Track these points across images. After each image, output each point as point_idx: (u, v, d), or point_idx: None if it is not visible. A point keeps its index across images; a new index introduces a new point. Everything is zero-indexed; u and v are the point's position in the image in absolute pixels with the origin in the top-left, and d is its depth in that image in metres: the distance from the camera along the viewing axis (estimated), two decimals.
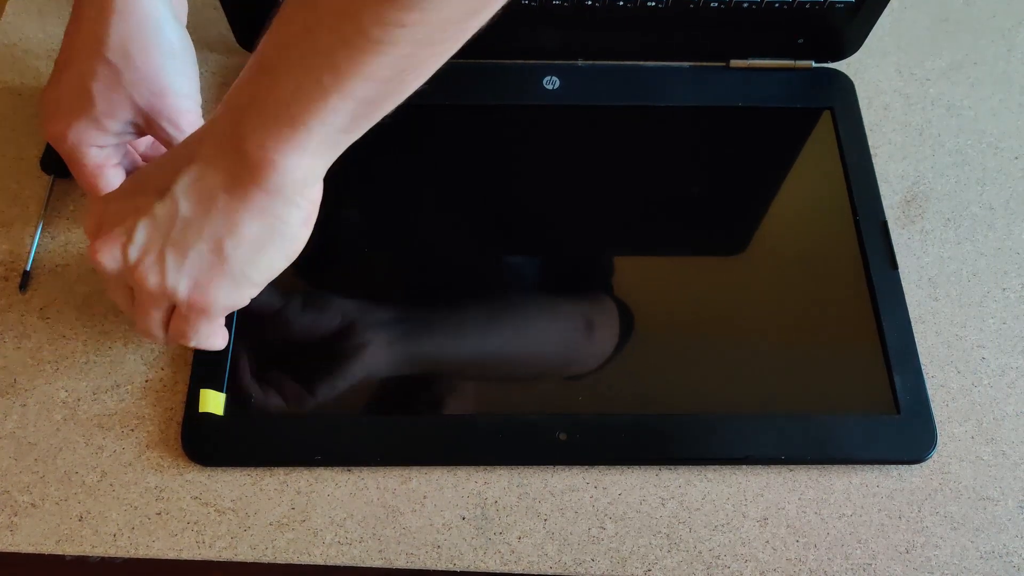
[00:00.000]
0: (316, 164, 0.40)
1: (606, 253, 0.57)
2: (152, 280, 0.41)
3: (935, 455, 0.50)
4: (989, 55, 0.64)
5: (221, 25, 0.60)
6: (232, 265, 0.41)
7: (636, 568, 0.46)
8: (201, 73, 0.61)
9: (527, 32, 0.59)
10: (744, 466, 0.49)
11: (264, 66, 0.38)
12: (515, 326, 0.53)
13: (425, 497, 0.48)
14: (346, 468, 0.48)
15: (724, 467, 0.49)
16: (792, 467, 0.49)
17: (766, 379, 0.51)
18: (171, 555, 0.46)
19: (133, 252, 0.41)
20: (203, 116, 0.50)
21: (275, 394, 0.50)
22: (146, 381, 0.51)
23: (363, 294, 0.53)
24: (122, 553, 0.46)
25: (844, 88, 0.61)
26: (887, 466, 0.49)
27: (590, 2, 0.56)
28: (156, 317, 0.44)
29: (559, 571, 0.46)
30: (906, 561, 0.47)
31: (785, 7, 0.57)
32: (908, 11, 0.66)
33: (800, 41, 0.60)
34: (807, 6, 0.57)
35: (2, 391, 0.50)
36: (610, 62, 0.61)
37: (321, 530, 0.47)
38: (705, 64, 0.62)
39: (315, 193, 0.41)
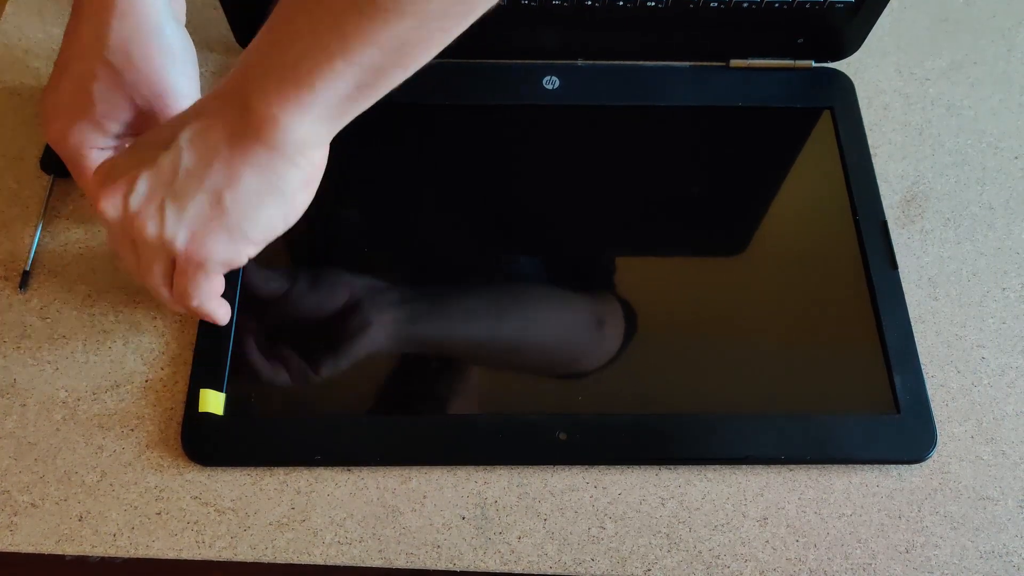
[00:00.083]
0: (319, 129, 0.40)
1: (606, 253, 0.57)
2: (151, 229, 0.42)
3: (935, 455, 0.50)
4: (989, 55, 0.64)
5: (221, 25, 0.60)
6: (230, 217, 0.41)
7: (636, 568, 0.46)
8: (201, 73, 0.61)
9: (527, 32, 0.59)
10: (744, 466, 0.49)
11: (275, 29, 0.39)
12: (523, 316, 0.54)
13: (425, 497, 0.48)
14: (346, 468, 0.48)
15: (724, 467, 0.49)
16: (792, 467, 0.49)
17: (766, 379, 0.51)
18: (171, 555, 0.46)
19: (134, 201, 0.41)
20: None
21: (280, 368, 0.50)
22: (146, 381, 0.51)
23: (370, 276, 0.53)
24: (122, 553, 0.46)
25: (844, 88, 0.61)
26: (887, 466, 0.49)
27: (590, 2, 0.56)
28: (158, 272, 0.44)
29: (559, 571, 0.46)
30: (906, 561, 0.47)
31: (785, 7, 0.57)
32: (908, 11, 0.66)
33: (800, 41, 0.60)
34: (807, 6, 0.57)
35: (2, 391, 0.50)
36: (610, 62, 0.61)
37: (321, 530, 0.47)
38: (705, 64, 0.62)
39: (317, 158, 0.42)
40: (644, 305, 0.54)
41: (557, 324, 0.54)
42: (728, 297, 0.55)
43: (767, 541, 0.47)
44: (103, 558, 0.47)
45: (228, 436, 0.48)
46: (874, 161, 0.59)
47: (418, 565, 0.46)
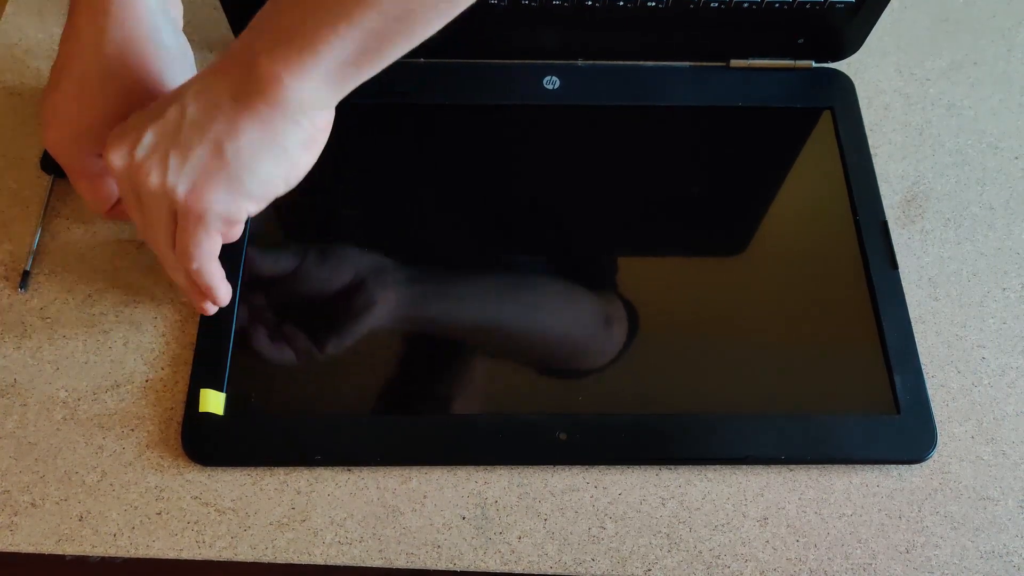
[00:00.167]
0: (322, 92, 0.41)
1: (605, 253, 0.57)
2: (154, 179, 0.42)
3: (935, 455, 0.50)
4: (989, 55, 0.64)
5: (221, 25, 0.60)
6: (230, 168, 0.42)
7: (636, 568, 0.46)
8: None
9: (527, 32, 0.59)
10: (744, 466, 0.49)
11: None
12: (531, 307, 0.54)
13: (425, 497, 0.48)
14: (346, 468, 0.48)
15: (724, 467, 0.49)
16: (792, 467, 0.49)
17: (766, 379, 0.51)
18: (171, 555, 0.46)
19: (139, 152, 0.42)
20: None
21: (285, 347, 0.51)
22: (146, 381, 0.51)
23: (374, 257, 0.54)
24: (122, 553, 0.46)
25: (844, 88, 0.61)
26: (887, 466, 0.49)
27: (590, 2, 0.56)
28: (162, 229, 0.44)
29: (559, 571, 0.46)
30: (906, 561, 0.47)
31: (785, 7, 0.57)
32: (908, 11, 0.66)
33: (800, 41, 0.60)
34: (807, 6, 0.57)
35: (2, 391, 0.50)
36: (610, 62, 0.61)
37: (321, 530, 0.47)
38: (705, 64, 0.62)
39: (320, 120, 0.43)
40: (644, 305, 0.54)
41: (565, 317, 0.54)
42: (728, 297, 0.55)
43: (767, 541, 0.47)
44: (103, 558, 0.47)
45: (228, 436, 0.48)
46: (874, 161, 0.59)
47: (418, 565, 0.46)
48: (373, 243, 0.55)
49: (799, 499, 0.48)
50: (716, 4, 0.56)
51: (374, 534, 0.47)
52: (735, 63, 0.61)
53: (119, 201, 0.51)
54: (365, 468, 0.49)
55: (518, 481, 0.48)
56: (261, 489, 0.48)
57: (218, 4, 0.57)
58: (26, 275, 0.53)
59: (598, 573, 0.46)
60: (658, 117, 0.60)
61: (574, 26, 0.58)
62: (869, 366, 0.51)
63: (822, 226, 0.57)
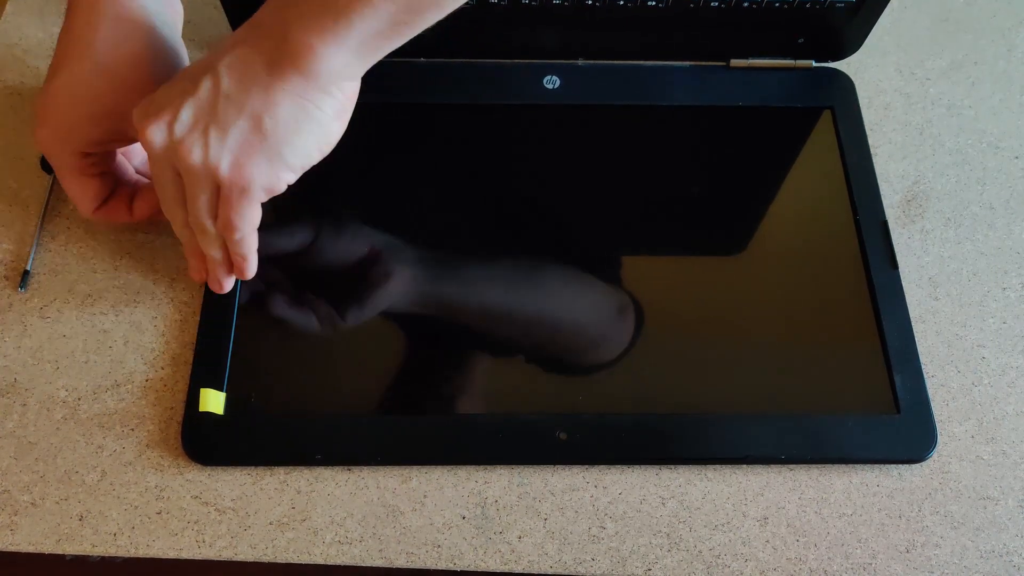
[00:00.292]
0: (353, 62, 0.42)
1: (605, 252, 0.57)
2: (196, 155, 0.42)
3: (935, 455, 0.50)
4: (989, 55, 0.64)
5: (221, 25, 0.60)
6: (270, 142, 0.42)
7: (636, 567, 0.46)
8: None
9: (527, 32, 0.59)
10: (744, 466, 0.49)
11: None
12: (546, 293, 0.54)
13: (425, 496, 0.48)
14: (346, 467, 0.48)
15: (724, 467, 0.49)
16: (792, 467, 0.49)
17: (766, 379, 0.51)
18: (171, 554, 0.46)
19: (179, 129, 0.42)
20: None
21: (309, 312, 0.52)
22: (146, 381, 0.51)
23: (388, 237, 0.55)
24: (122, 552, 0.46)
25: (844, 88, 0.61)
26: (887, 466, 0.49)
27: (590, 2, 0.56)
28: (203, 201, 0.44)
29: (559, 570, 0.46)
30: (906, 560, 0.47)
31: (785, 7, 0.57)
32: (908, 11, 0.66)
33: (800, 41, 0.60)
34: (807, 6, 0.57)
35: (2, 391, 0.50)
36: (610, 62, 0.61)
37: (321, 529, 0.47)
38: (705, 64, 0.62)
39: (350, 89, 0.43)
40: (644, 304, 0.54)
41: (582, 304, 0.54)
42: (728, 297, 0.55)
43: (767, 541, 0.47)
44: (103, 558, 0.47)
45: (228, 436, 0.48)
46: (874, 161, 0.59)
47: (418, 565, 0.46)
48: (379, 238, 0.55)
49: (799, 499, 0.48)
50: (716, 4, 0.56)
51: (374, 534, 0.47)
52: (735, 63, 0.61)
53: (106, 202, 0.51)
54: (365, 468, 0.49)
55: (518, 481, 0.48)
56: (261, 489, 0.48)
57: (218, 4, 0.57)
58: (26, 275, 0.53)
59: (598, 573, 0.46)
60: (658, 117, 0.60)
61: (574, 26, 0.58)
62: (869, 366, 0.51)
63: (822, 226, 0.57)
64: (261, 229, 0.47)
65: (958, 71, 0.64)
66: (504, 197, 0.58)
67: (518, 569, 0.46)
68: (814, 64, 0.62)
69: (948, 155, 0.60)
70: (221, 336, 0.51)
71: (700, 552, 0.47)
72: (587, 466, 0.49)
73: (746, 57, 0.61)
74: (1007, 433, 0.50)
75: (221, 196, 0.44)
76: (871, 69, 0.63)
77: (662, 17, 0.57)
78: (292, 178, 0.44)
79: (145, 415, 0.50)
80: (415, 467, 0.49)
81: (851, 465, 0.49)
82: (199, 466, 0.48)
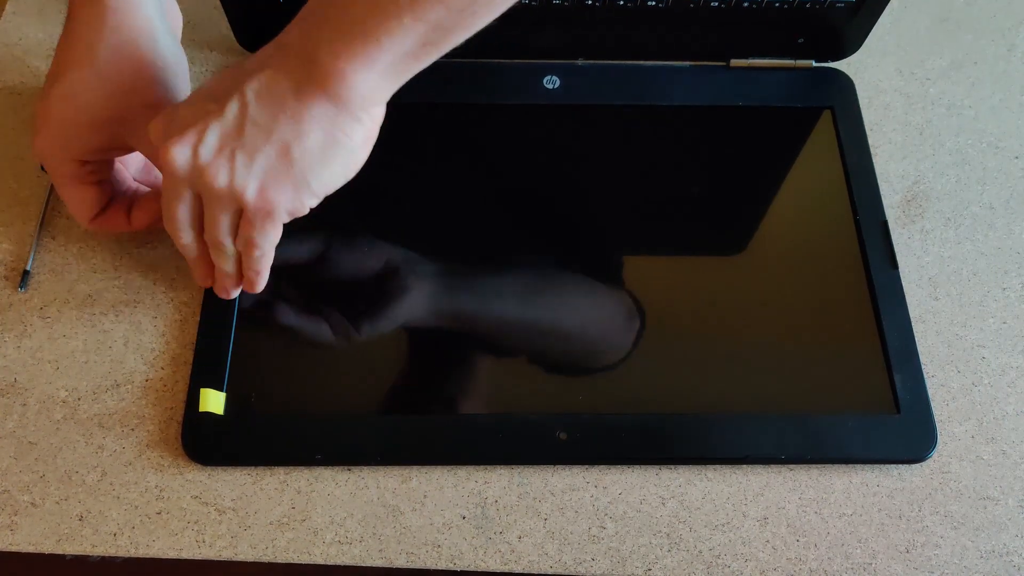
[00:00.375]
0: (382, 84, 0.41)
1: (605, 252, 0.57)
2: (222, 179, 0.42)
3: (935, 455, 0.50)
4: (989, 55, 0.64)
5: (221, 25, 0.60)
6: (296, 170, 0.42)
7: (636, 567, 0.46)
8: (201, 73, 0.61)
9: (527, 32, 0.59)
10: (744, 466, 0.49)
11: None
12: (558, 301, 0.54)
13: (425, 496, 0.48)
14: (346, 467, 0.49)
15: (724, 467, 0.49)
16: (792, 467, 0.49)
17: (766, 379, 0.51)
18: (171, 554, 0.46)
19: (204, 152, 0.42)
20: None
21: (322, 323, 0.52)
22: (146, 381, 0.51)
23: (402, 247, 0.54)
24: (122, 552, 0.46)
25: (844, 88, 0.61)
26: (887, 466, 0.49)
27: (590, 2, 0.56)
28: (224, 222, 0.44)
29: (559, 570, 0.46)
30: (906, 560, 0.47)
31: (785, 7, 0.57)
32: (908, 11, 0.66)
33: (800, 41, 0.60)
34: (807, 6, 0.57)
35: (2, 391, 0.50)
36: (610, 62, 0.61)
37: (321, 529, 0.47)
38: (705, 64, 0.62)
39: (378, 114, 0.43)
40: (644, 304, 0.54)
41: (594, 311, 0.54)
42: (728, 297, 0.55)
43: (767, 541, 0.47)
44: (103, 558, 0.47)
45: (228, 436, 0.48)
46: (874, 161, 0.59)
47: (418, 565, 0.46)
48: (383, 236, 0.55)
49: (799, 499, 0.48)
50: (716, 4, 0.56)
51: (374, 534, 0.47)
52: (735, 63, 0.61)
53: (103, 210, 0.51)
54: (365, 468, 0.49)
55: (518, 481, 0.48)
56: (261, 489, 0.48)
57: (218, 4, 0.57)
58: (26, 275, 0.53)
59: (598, 573, 0.46)
60: (658, 117, 0.60)
61: (574, 26, 0.58)
62: (869, 366, 0.51)
63: (822, 226, 0.57)
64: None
65: (958, 71, 0.64)
66: (504, 198, 0.58)
67: (518, 569, 0.46)
68: (814, 64, 0.62)
69: (948, 155, 0.60)
70: (221, 336, 0.51)
71: (700, 552, 0.47)
72: (587, 466, 0.49)
73: (746, 57, 0.61)
74: (1007, 433, 0.50)
75: (244, 218, 0.44)
76: (871, 69, 0.63)
77: (662, 17, 0.57)
78: (315, 203, 0.44)
79: (145, 415, 0.50)
80: (415, 467, 0.49)
81: (851, 465, 0.49)
82: (199, 466, 0.48)
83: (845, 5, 0.57)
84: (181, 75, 0.49)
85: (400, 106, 0.60)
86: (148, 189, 0.53)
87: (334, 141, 0.42)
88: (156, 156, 0.47)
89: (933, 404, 0.50)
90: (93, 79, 0.46)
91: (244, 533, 0.47)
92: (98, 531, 0.47)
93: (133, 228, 0.52)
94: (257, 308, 0.52)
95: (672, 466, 0.49)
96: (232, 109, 0.42)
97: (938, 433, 0.50)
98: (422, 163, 0.58)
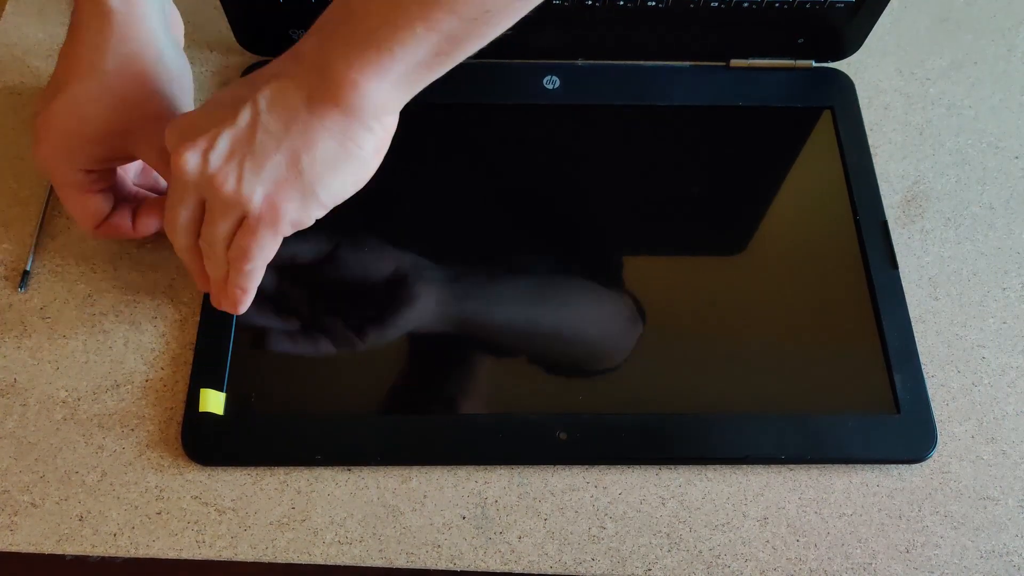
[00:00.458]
0: (394, 94, 0.41)
1: (605, 253, 0.57)
2: (230, 185, 0.42)
3: (935, 455, 0.50)
4: (989, 55, 0.64)
5: (221, 25, 0.60)
6: (305, 180, 0.42)
7: (636, 567, 0.46)
8: (201, 73, 0.61)
9: (527, 32, 0.59)
10: (744, 466, 0.49)
11: None
12: (563, 306, 0.54)
13: (425, 496, 0.48)
14: (346, 468, 0.49)
15: (724, 467, 0.49)
16: (792, 467, 0.49)
17: (766, 379, 0.51)
18: (171, 555, 0.46)
19: (214, 157, 0.42)
20: None
21: (321, 338, 0.51)
22: (146, 381, 0.51)
23: (409, 253, 0.54)
24: (122, 553, 0.46)
25: (844, 88, 0.61)
26: (887, 466, 0.49)
27: (590, 2, 0.56)
28: (223, 229, 0.44)
29: (559, 570, 0.46)
30: (906, 560, 0.47)
31: (785, 7, 0.57)
32: (908, 11, 0.66)
33: (800, 41, 0.60)
34: (807, 6, 0.57)
35: (2, 391, 0.50)
36: (610, 62, 0.61)
37: (321, 530, 0.47)
38: (705, 64, 0.62)
39: (390, 124, 0.43)
40: (644, 304, 0.54)
41: (597, 314, 0.54)
42: (728, 297, 0.55)
43: (767, 541, 0.47)
44: (103, 558, 0.47)
45: (228, 436, 0.49)
46: (874, 161, 0.59)
47: (418, 565, 0.46)
48: (383, 240, 0.55)
49: (799, 499, 0.48)
50: (716, 4, 0.56)
51: (374, 534, 0.47)
52: (735, 63, 0.61)
53: (106, 219, 0.51)
54: (365, 468, 0.49)
55: (518, 481, 0.49)
56: (261, 489, 0.48)
57: (218, 4, 0.57)
58: (26, 275, 0.53)
59: (598, 573, 0.46)
60: (658, 117, 0.60)
61: (574, 26, 0.58)
62: (869, 366, 0.51)
63: (822, 226, 0.57)
64: None
65: (958, 71, 0.64)
66: (504, 199, 0.58)
67: (518, 569, 0.46)
68: (814, 64, 0.62)
69: (948, 155, 0.60)
70: (221, 336, 0.51)
71: (700, 552, 0.47)
72: (587, 466, 0.49)
73: (746, 57, 0.61)
74: (1007, 433, 0.50)
75: (244, 225, 0.43)
76: (871, 69, 0.63)
77: (662, 17, 0.57)
78: (322, 214, 0.44)
79: (145, 415, 0.50)
80: (415, 467, 0.49)
81: (851, 465, 0.49)
82: (199, 466, 0.48)
83: (845, 5, 0.57)
84: (185, 86, 0.49)
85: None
86: (150, 194, 0.53)
87: (345, 151, 0.42)
88: (164, 164, 0.48)
89: (933, 404, 0.50)
90: (98, 91, 0.46)
91: (244, 533, 0.47)
92: (98, 531, 0.47)
93: (137, 235, 0.52)
94: (258, 308, 0.52)
95: (672, 466, 0.49)
96: (244, 117, 0.42)
97: (938, 433, 0.50)
98: (421, 164, 0.58)
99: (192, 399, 0.49)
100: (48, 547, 0.46)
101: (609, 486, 0.49)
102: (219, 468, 0.48)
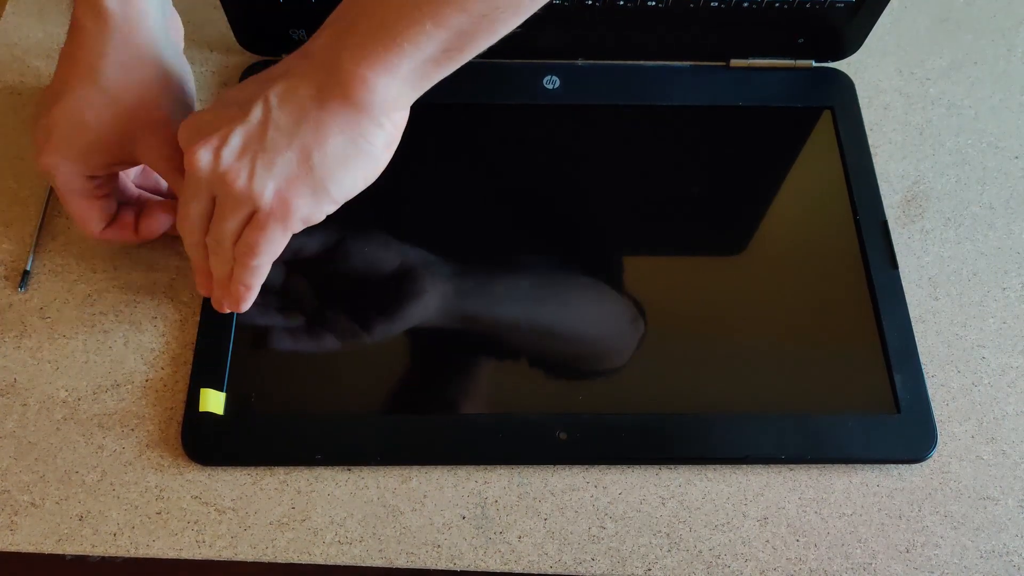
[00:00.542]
0: (404, 90, 0.42)
1: (605, 253, 0.57)
2: (241, 181, 0.42)
3: (935, 454, 0.50)
4: (989, 55, 0.64)
5: (221, 25, 0.60)
6: (316, 176, 0.42)
7: (636, 567, 0.46)
8: (201, 73, 0.61)
9: (527, 32, 0.59)
10: (744, 466, 0.49)
11: None
12: (567, 305, 0.54)
13: (425, 496, 0.48)
14: (346, 467, 0.49)
15: (724, 467, 0.49)
16: (792, 467, 0.49)
17: (766, 379, 0.51)
18: (171, 554, 0.46)
19: (226, 154, 0.42)
20: None
21: (327, 335, 0.52)
22: (146, 381, 0.51)
23: (409, 247, 0.55)
24: (122, 552, 0.46)
25: (844, 88, 0.61)
26: (887, 465, 0.49)
27: (590, 2, 0.56)
28: (232, 225, 0.44)
29: (559, 570, 0.46)
30: (906, 560, 0.47)
31: (785, 7, 0.57)
32: (908, 11, 0.66)
33: (800, 41, 0.60)
34: (807, 6, 0.57)
35: (2, 391, 0.50)
36: (610, 62, 0.61)
37: (321, 529, 0.47)
38: (705, 64, 0.62)
39: (399, 119, 0.43)
40: (644, 304, 0.54)
41: (599, 314, 0.54)
42: (728, 297, 0.55)
43: (767, 541, 0.47)
44: (103, 558, 0.47)
45: (228, 436, 0.49)
46: (874, 161, 0.59)
47: (418, 565, 0.46)
48: (381, 238, 0.55)
49: (799, 499, 0.48)
50: (716, 4, 0.56)
51: (374, 534, 0.47)
52: (735, 63, 0.61)
53: (110, 223, 0.51)
54: (365, 468, 0.49)
55: (518, 481, 0.49)
56: (261, 489, 0.48)
57: (218, 4, 0.57)
58: (26, 275, 0.53)
59: (598, 573, 0.46)
60: (658, 117, 0.60)
61: (574, 26, 0.58)
62: (869, 366, 0.51)
63: (822, 226, 0.57)
64: None
65: (958, 71, 0.64)
66: (504, 199, 0.58)
67: (518, 569, 0.46)
68: (814, 64, 0.62)
69: (948, 155, 0.60)
70: (221, 336, 0.51)
71: (700, 552, 0.47)
72: (587, 466, 0.49)
73: (746, 57, 0.61)
74: (1007, 433, 0.50)
75: (254, 221, 0.43)
76: (871, 69, 0.63)
77: (662, 17, 0.57)
78: (333, 209, 0.44)
79: (145, 415, 0.50)
80: (415, 467, 0.49)
81: (851, 465, 0.49)
82: (199, 466, 0.48)
83: (845, 5, 0.57)
84: (186, 90, 0.49)
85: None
86: (152, 196, 0.53)
87: (355, 146, 0.42)
88: (166, 168, 0.48)
89: (933, 404, 0.50)
90: (98, 98, 0.46)
91: (244, 533, 0.47)
92: (98, 531, 0.47)
93: (140, 239, 0.52)
94: (258, 308, 0.52)
95: (672, 466, 0.49)
96: (256, 114, 0.42)
97: (938, 433, 0.50)
98: (421, 164, 0.58)
99: (192, 399, 0.49)
100: (48, 547, 0.46)
101: (609, 486, 0.49)
102: (219, 468, 0.48)
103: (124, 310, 0.53)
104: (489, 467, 0.49)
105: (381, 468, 0.49)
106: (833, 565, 0.47)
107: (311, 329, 0.52)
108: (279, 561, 0.46)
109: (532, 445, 0.49)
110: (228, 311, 0.48)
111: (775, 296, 0.55)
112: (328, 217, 0.45)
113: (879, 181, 0.58)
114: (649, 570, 0.46)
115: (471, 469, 0.49)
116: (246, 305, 0.47)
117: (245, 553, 0.46)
